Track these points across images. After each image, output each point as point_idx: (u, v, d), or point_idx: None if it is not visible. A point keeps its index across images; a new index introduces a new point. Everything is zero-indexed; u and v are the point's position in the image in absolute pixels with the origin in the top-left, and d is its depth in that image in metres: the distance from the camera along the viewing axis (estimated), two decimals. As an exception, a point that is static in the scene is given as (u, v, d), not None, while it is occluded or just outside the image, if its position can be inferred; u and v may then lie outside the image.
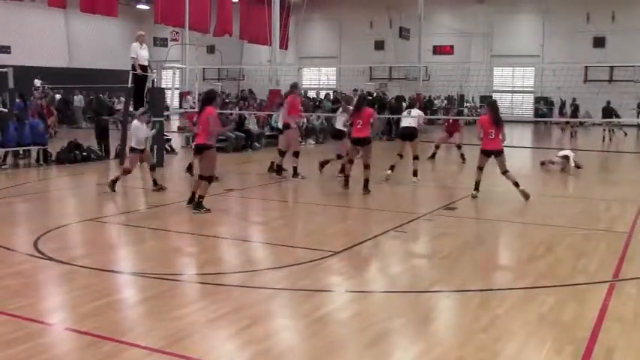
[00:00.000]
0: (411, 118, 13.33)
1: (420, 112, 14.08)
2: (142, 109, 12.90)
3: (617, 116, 25.08)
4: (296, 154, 13.25)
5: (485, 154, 10.91)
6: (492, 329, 4.97)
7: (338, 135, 13.58)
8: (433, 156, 16.90)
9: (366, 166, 11.16)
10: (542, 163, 15.20)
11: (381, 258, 7.49)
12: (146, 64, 15.65)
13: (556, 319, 5.20)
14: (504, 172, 10.88)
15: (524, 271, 6.70)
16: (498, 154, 10.79)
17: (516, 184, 10.77)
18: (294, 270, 6.62)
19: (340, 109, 13.94)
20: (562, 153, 15.00)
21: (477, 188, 11.00)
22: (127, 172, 11.57)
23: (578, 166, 14.41)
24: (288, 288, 6.04)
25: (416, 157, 13.09)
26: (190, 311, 5.32)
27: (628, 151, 20.73)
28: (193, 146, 11.33)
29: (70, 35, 41.17)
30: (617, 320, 5.18)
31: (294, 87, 13.94)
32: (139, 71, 15.36)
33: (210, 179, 9.58)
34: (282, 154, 13.34)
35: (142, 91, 15.92)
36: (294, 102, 13.52)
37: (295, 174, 13.10)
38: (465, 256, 7.36)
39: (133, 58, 15.27)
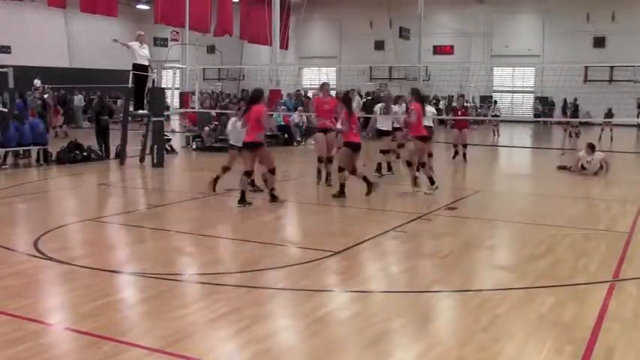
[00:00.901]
0: (424, 119, 13.45)
1: (433, 110, 14.13)
2: (240, 104, 12.88)
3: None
4: (319, 160, 12.41)
5: (424, 139, 11.49)
6: (492, 329, 4.97)
7: (384, 133, 13.87)
8: (460, 155, 16.47)
9: (354, 171, 10.78)
10: (564, 168, 14.68)
11: (381, 258, 7.48)
12: (146, 63, 15.67)
13: (556, 319, 5.20)
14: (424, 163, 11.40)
15: (524, 271, 6.69)
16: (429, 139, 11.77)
17: (431, 179, 11.09)
18: (294, 270, 6.63)
19: (380, 107, 14.07)
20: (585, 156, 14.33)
21: (432, 182, 11.09)
22: (226, 169, 11.26)
23: (602, 166, 14.13)
24: (288, 288, 6.05)
25: (430, 154, 13.46)
26: (190, 311, 5.32)
27: (628, 151, 20.72)
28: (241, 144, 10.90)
29: (70, 35, 41.17)
30: (617, 320, 5.18)
31: (320, 88, 13.11)
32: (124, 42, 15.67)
33: (274, 171, 10.16)
34: (323, 160, 12.52)
35: (143, 91, 15.95)
36: (315, 103, 13.19)
37: (318, 178, 12.44)
38: (464, 256, 7.36)
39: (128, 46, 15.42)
